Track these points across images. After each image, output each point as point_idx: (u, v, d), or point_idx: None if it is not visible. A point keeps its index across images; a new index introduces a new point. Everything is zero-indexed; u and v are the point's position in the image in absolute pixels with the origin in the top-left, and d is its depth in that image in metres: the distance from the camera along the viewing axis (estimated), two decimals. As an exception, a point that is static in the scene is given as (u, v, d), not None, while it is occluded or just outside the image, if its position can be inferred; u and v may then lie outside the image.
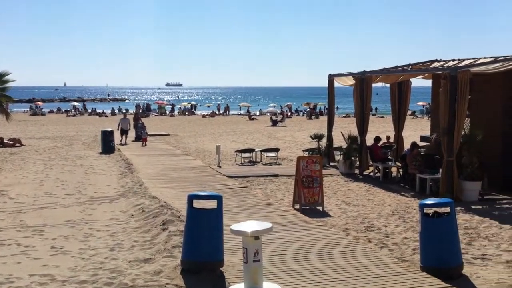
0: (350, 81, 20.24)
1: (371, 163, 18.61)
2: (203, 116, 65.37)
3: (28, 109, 74.49)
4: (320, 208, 12.80)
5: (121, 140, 28.76)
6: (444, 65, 17.91)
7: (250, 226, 6.55)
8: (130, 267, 8.30)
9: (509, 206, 13.39)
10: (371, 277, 7.55)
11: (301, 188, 12.81)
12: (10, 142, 28.62)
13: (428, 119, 52.41)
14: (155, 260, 8.54)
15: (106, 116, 64.33)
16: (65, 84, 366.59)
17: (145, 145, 28.02)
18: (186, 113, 71.72)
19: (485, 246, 9.74)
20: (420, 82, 22.82)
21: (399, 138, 20.95)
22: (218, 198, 7.95)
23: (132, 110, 67.94)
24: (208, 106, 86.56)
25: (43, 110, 71.78)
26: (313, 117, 61.24)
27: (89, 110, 73.77)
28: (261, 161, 22.05)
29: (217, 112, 72.07)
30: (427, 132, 22.64)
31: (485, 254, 9.19)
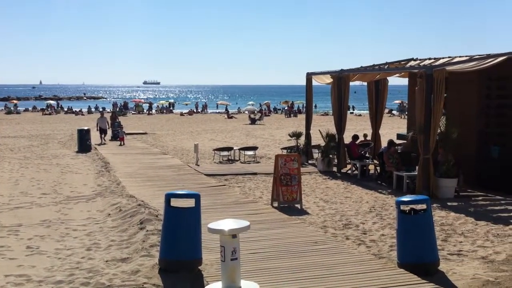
0: (328, 79, 20.33)
1: (349, 161, 18.72)
2: (181, 114, 65.08)
3: (3, 108, 73.32)
4: (298, 206, 12.84)
5: (100, 140, 28.34)
6: (420, 64, 18.07)
7: (227, 224, 6.55)
8: (107, 266, 8.22)
9: (484, 203, 13.58)
10: (349, 274, 7.59)
11: (279, 186, 12.83)
12: (-16, 141, 28.17)
13: (402, 117, 53.03)
14: (133, 259, 8.47)
15: (83, 115, 63.69)
16: (40, 82, 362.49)
17: (123, 144, 27.77)
18: (164, 112, 71.32)
19: (461, 242, 9.87)
20: (397, 81, 23.04)
21: (376, 136, 21.09)
22: (196, 197, 7.92)
23: (109, 108, 67.39)
24: (186, 104, 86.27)
25: (18, 108, 70.71)
26: (291, 115, 61.42)
27: (65, 109, 72.89)
28: (239, 159, 22.03)
29: (195, 110, 71.81)
30: (403, 130, 22.86)
31: (461, 250, 9.30)
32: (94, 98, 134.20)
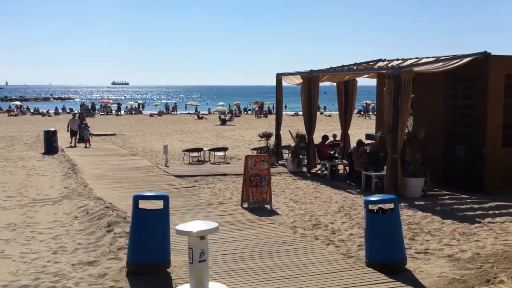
0: (298, 80, 20.41)
1: (319, 161, 18.82)
2: (151, 115, 64.59)
3: (-33, 109, 71.65)
4: (268, 206, 12.84)
5: (71, 143, 27.77)
6: (388, 65, 18.30)
7: (195, 226, 6.49)
8: (74, 270, 8.08)
9: (450, 202, 13.79)
10: (317, 274, 7.62)
11: (249, 187, 12.81)
12: None
13: (367, 118, 53.64)
14: (100, 262, 8.34)
15: (50, 116, 62.63)
16: (6, 83, 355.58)
17: (89, 146, 27.19)
18: (133, 112, 70.58)
19: (428, 241, 10.00)
20: (366, 81, 23.28)
21: (345, 136, 21.26)
22: (165, 198, 7.85)
23: (76, 109, 66.41)
24: (156, 105, 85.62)
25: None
26: (261, 115, 61.51)
27: (32, 110, 71.57)
28: (209, 160, 21.95)
29: (165, 111, 71.32)
30: (372, 130, 23.10)
31: (428, 249, 9.43)
32: (62, 99, 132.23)
